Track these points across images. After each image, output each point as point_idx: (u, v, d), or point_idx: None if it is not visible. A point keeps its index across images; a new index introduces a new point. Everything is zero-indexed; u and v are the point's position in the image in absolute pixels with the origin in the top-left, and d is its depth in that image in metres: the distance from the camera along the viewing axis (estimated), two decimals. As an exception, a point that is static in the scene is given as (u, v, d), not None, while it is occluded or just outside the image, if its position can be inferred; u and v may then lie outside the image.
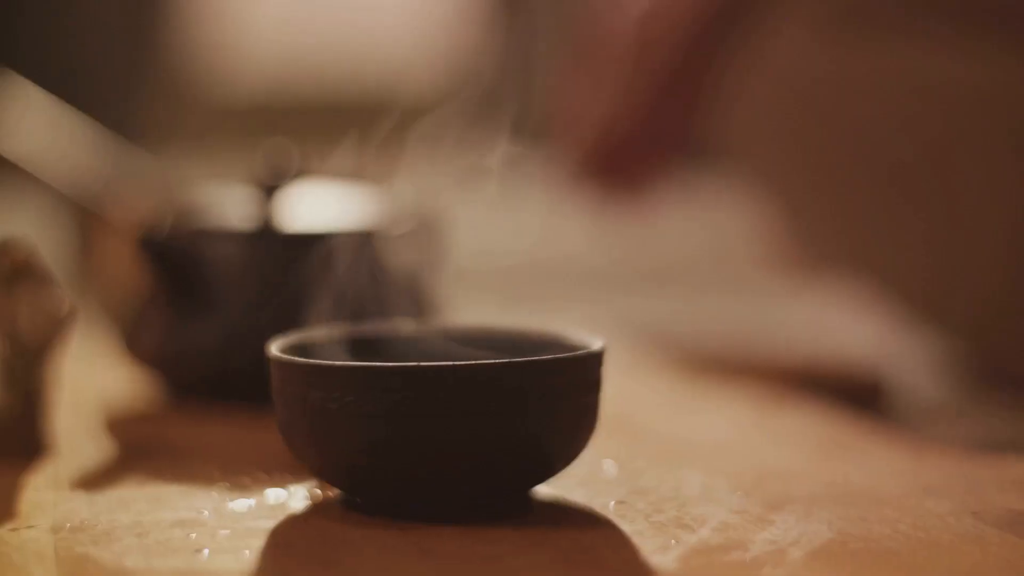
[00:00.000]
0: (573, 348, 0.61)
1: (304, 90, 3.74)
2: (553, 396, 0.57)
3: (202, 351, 0.80)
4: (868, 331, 1.15)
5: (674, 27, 1.15)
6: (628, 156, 1.18)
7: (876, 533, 0.56)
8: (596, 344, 0.60)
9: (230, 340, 0.80)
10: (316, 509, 0.59)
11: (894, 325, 1.09)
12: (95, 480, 0.64)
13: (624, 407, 0.77)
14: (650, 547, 0.54)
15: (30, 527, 0.57)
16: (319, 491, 0.61)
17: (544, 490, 0.61)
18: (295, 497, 0.61)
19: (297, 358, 0.58)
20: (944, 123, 1.02)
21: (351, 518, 0.58)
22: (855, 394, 0.91)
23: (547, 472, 0.59)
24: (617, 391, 0.67)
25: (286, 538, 0.56)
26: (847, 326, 1.20)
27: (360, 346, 0.64)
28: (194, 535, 0.55)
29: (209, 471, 0.65)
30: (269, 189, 0.84)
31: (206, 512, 0.59)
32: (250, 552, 0.54)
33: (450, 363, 0.56)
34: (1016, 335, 1.02)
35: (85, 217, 1.15)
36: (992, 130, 1.01)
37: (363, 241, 0.81)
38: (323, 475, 0.59)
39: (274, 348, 0.60)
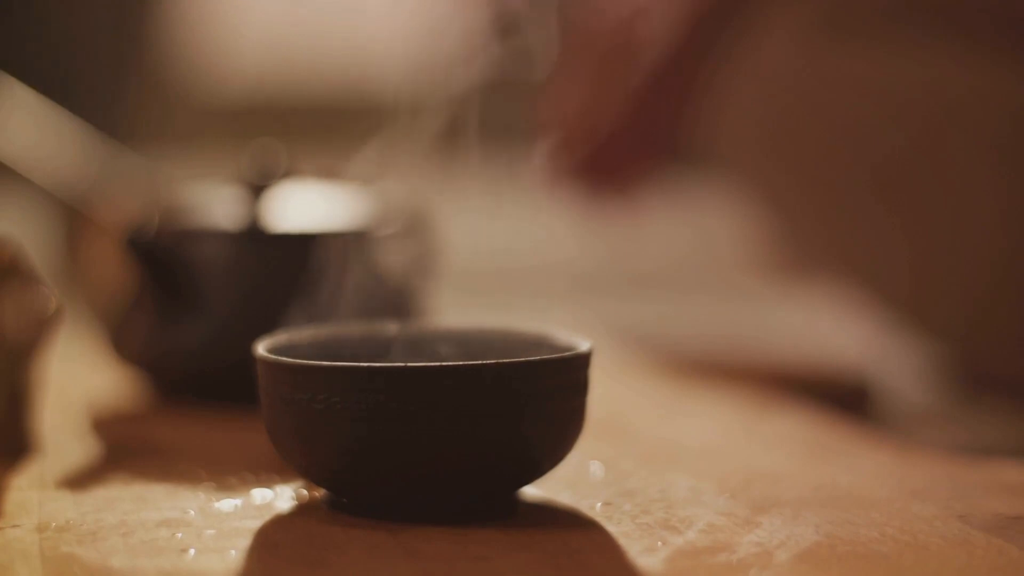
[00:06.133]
0: (561, 349, 0.60)
1: (292, 91, 3.74)
2: (540, 397, 0.57)
3: (189, 351, 0.80)
4: (855, 335, 1.15)
5: (662, 29, 1.15)
6: (615, 158, 1.18)
7: (863, 536, 0.56)
8: (584, 346, 0.60)
9: (217, 340, 0.79)
10: (302, 509, 0.59)
11: (881, 329, 1.09)
12: (81, 480, 0.64)
13: (611, 409, 0.77)
14: (637, 549, 0.54)
15: (15, 526, 0.57)
16: (305, 491, 0.61)
17: (531, 491, 0.61)
18: (281, 497, 0.61)
19: (283, 358, 0.58)
20: (929, 127, 1.02)
21: (337, 518, 0.58)
22: (842, 398, 0.91)
23: (534, 474, 0.59)
24: (604, 393, 0.67)
25: (272, 538, 0.56)
26: (834, 330, 1.20)
27: (347, 346, 0.64)
28: (180, 535, 0.55)
29: (195, 471, 0.64)
30: (256, 189, 0.84)
31: (192, 512, 0.58)
32: (236, 552, 0.54)
33: (436, 364, 0.56)
34: (1002, 339, 1.02)
35: (72, 216, 1.15)
36: (976, 134, 1.01)
37: (351, 242, 0.81)
38: (309, 475, 0.59)
39: (261, 348, 0.59)
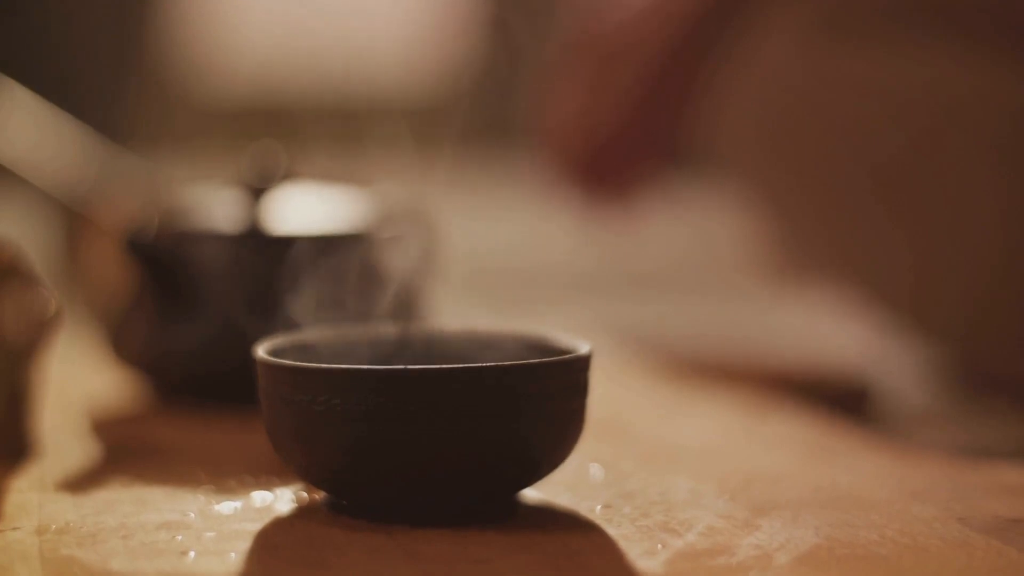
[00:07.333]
0: (560, 352, 0.60)
1: (292, 93, 3.74)
2: (540, 400, 0.57)
3: (188, 352, 0.80)
4: (855, 336, 1.15)
5: (661, 31, 1.15)
6: (614, 159, 1.18)
7: (862, 538, 0.56)
8: (583, 348, 0.60)
9: (216, 342, 0.79)
10: (302, 512, 0.59)
11: (880, 330, 1.09)
12: (80, 482, 0.64)
13: (611, 411, 0.77)
14: (636, 551, 0.54)
15: (15, 529, 0.57)
16: (305, 493, 0.61)
17: (531, 494, 0.61)
18: (281, 499, 0.61)
19: (283, 360, 0.58)
20: (929, 127, 1.02)
21: (337, 520, 0.58)
22: (842, 399, 0.91)
23: (534, 476, 0.59)
24: (604, 395, 0.67)
25: (272, 540, 0.56)
26: (834, 331, 1.20)
27: (347, 348, 0.64)
28: (180, 537, 0.55)
29: (195, 473, 0.64)
30: (256, 191, 0.84)
31: (192, 514, 0.58)
32: (236, 554, 0.54)
33: (435, 366, 0.56)
34: (1002, 339, 1.02)
35: (72, 218, 1.15)
36: (976, 134, 1.01)
37: (350, 244, 0.81)
38: (309, 477, 0.59)
39: (261, 350, 0.59)
